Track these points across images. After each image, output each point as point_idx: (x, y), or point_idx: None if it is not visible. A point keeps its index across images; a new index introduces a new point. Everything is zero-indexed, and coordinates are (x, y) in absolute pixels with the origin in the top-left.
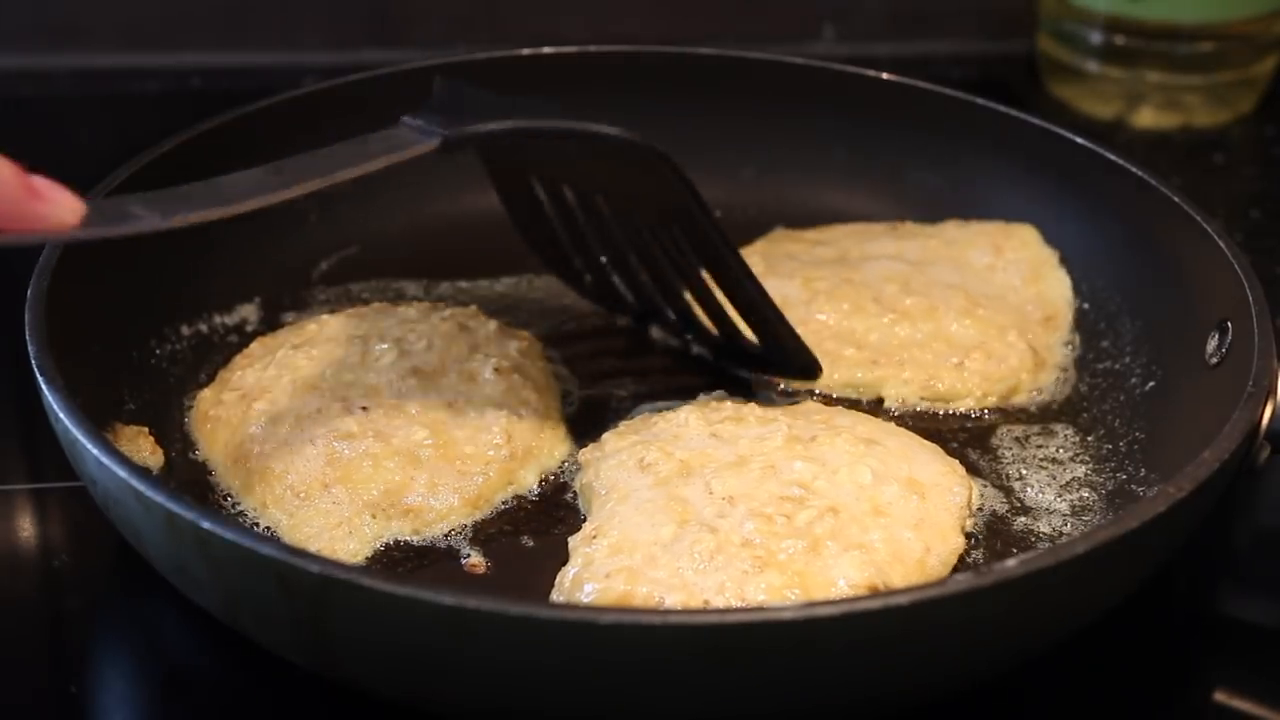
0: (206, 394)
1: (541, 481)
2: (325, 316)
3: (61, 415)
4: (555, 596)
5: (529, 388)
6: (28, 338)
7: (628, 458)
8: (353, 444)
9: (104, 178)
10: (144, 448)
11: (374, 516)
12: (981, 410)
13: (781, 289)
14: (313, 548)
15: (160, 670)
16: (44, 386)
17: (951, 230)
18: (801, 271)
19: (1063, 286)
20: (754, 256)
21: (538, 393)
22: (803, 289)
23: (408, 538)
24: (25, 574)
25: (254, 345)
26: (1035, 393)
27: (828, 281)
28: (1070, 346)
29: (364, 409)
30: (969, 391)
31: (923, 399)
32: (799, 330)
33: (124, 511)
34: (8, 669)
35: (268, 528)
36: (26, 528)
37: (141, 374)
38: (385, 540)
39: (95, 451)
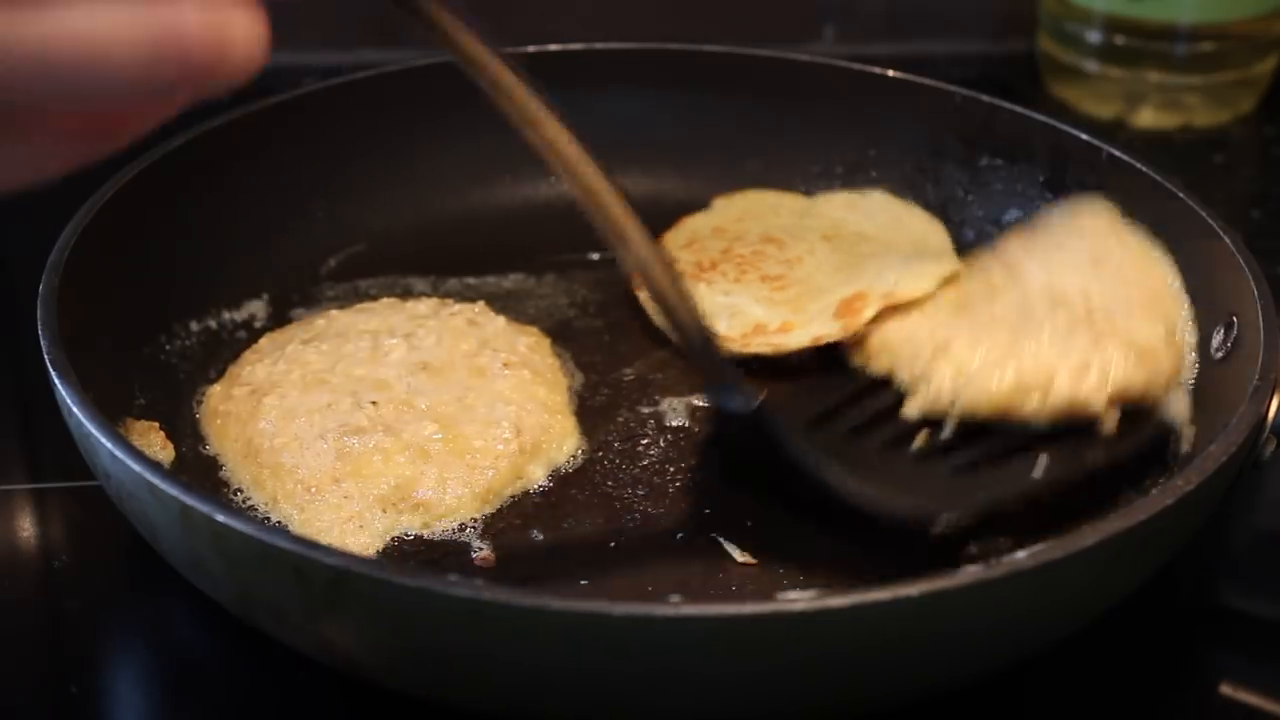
0: (216, 389)
1: (550, 475)
2: (334, 312)
3: (75, 410)
4: None
5: (537, 382)
6: (41, 333)
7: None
8: (363, 438)
9: (104, 178)
10: (155, 443)
11: (384, 510)
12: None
13: None
14: (323, 541)
15: (163, 671)
16: (58, 382)
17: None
18: None
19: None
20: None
21: (546, 387)
22: None
23: (418, 531)
24: (25, 575)
25: (263, 341)
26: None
27: None
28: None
29: (374, 403)
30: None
31: None
32: None
33: (138, 506)
34: (7, 671)
35: (279, 522)
36: (26, 528)
37: (152, 370)
38: (395, 534)
39: (110, 446)
